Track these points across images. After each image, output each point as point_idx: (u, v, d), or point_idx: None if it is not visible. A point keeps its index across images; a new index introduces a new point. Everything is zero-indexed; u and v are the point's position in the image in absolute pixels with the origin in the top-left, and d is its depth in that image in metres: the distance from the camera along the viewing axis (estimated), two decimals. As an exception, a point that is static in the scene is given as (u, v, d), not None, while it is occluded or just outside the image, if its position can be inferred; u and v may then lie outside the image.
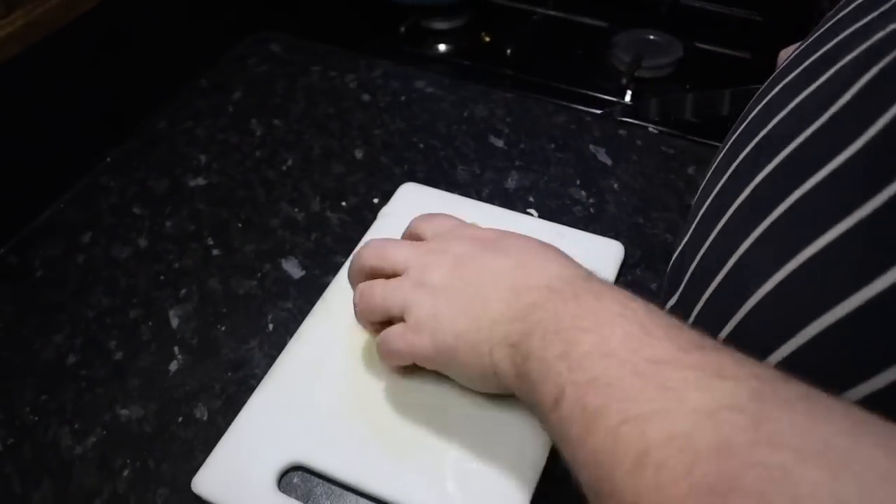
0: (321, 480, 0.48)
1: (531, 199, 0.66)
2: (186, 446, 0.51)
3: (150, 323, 0.58)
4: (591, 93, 0.73)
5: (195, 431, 0.52)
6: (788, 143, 0.35)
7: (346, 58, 0.82)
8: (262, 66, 0.82)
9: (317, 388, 0.52)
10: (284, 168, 0.70)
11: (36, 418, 0.53)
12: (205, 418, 0.52)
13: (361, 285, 0.50)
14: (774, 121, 0.38)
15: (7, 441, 0.51)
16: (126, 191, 0.68)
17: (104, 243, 0.64)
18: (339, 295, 0.57)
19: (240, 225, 0.65)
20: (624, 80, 0.75)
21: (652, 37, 0.79)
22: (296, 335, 0.55)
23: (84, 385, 0.54)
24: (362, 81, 0.79)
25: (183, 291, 0.60)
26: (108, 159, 0.71)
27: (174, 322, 0.58)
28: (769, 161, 0.36)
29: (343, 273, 0.59)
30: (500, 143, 0.71)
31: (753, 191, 0.37)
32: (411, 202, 0.64)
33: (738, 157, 0.41)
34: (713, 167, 0.45)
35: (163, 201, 0.67)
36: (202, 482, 0.48)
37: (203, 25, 0.80)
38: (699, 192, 0.46)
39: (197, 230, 0.65)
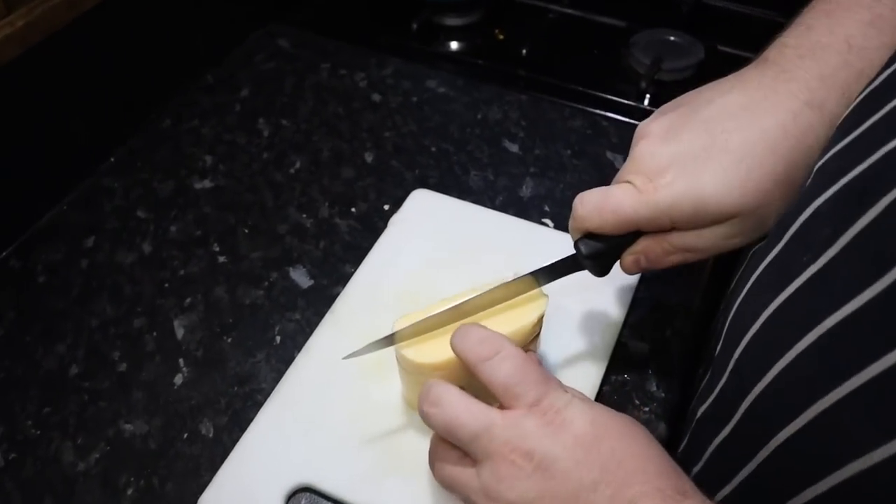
0: (330, 502, 0.47)
1: (546, 208, 0.64)
2: (192, 464, 0.50)
3: (154, 333, 0.57)
4: (608, 96, 0.71)
5: (200, 448, 0.50)
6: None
7: (355, 54, 0.80)
8: (270, 63, 0.80)
9: (325, 406, 0.51)
10: (293, 171, 0.68)
11: (38, 432, 0.51)
12: (210, 435, 0.51)
13: (433, 449, 0.42)
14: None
15: (9, 456, 0.50)
16: (130, 193, 0.66)
17: (108, 248, 0.62)
18: (347, 307, 0.56)
19: (246, 231, 0.63)
20: (643, 84, 0.72)
21: (672, 38, 0.77)
22: (304, 349, 0.54)
23: (87, 398, 0.53)
24: (373, 80, 0.77)
25: (188, 300, 0.59)
26: (112, 159, 0.69)
27: (179, 332, 0.57)
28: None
29: (353, 284, 0.57)
30: (514, 148, 0.69)
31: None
32: (424, 210, 0.62)
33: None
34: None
35: (168, 204, 0.66)
36: (210, 502, 0.47)
37: (208, 20, 0.78)
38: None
39: (203, 236, 0.63)
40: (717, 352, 0.43)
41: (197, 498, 0.47)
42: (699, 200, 0.41)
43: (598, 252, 0.45)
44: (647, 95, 0.73)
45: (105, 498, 0.48)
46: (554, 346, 0.53)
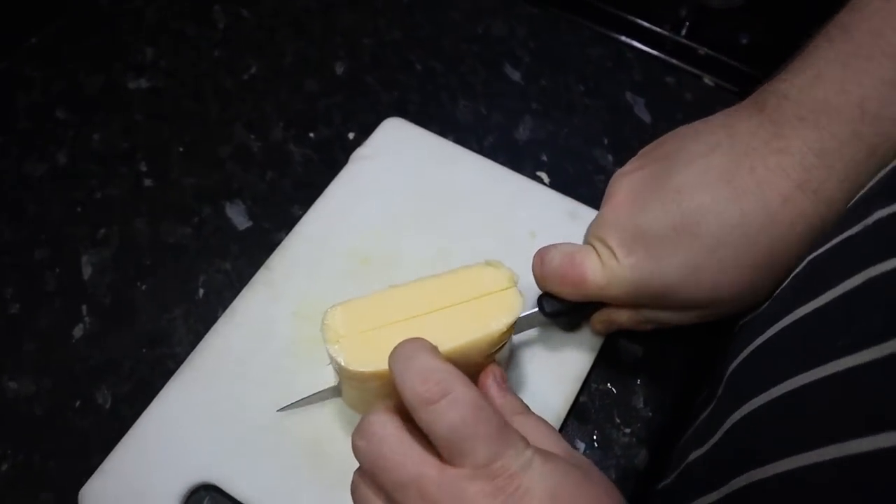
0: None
1: (544, 157, 0.53)
2: (81, 440, 0.42)
3: (57, 269, 0.48)
4: (638, 20, 0.58)
5: (94, 422, 0.43)
6: None
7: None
8: (240, -68, 0.66)
9: (245, 387, 0.43)
10: (246, 77, 0.56)
11: None
12: (108, 405, 0.43)
13: (355, 484, 0.33)
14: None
15: None
16: (50, 86, 0.55)
17: (15, 154, 0.52)
18: (285, 264, 0.46)
19: (181, 149, 0.53)
20: (683, 11, 0.59)
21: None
22: (228, 311, 0.45)
23: (-31, 343, 0.45)
24: (359, -33, 0.63)
25: (102, 231, 0.49)
26: (34, 41, 0.57)
27: (86, 271, 0.48)
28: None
29: (295, 234, 0.47)
30: (516, 76, 0.56)
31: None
32: (395, 146, 0.51)
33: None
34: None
35: (93, 105, 0.54)
36: (92, 494, 0.40)
37: None
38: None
39: (129, 150, 0.53)
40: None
41: (82, 482, 0.40)
42: (665, 289, 0.37)
43: (560, 311, 0.41)
44: (686, 25, 0.59)
45: (-25, 471, 0.41)
46: (531, 340, 0.44)
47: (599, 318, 0.42)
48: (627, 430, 0.43)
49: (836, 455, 0.26)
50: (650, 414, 0.44)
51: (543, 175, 0.52)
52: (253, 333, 0.44)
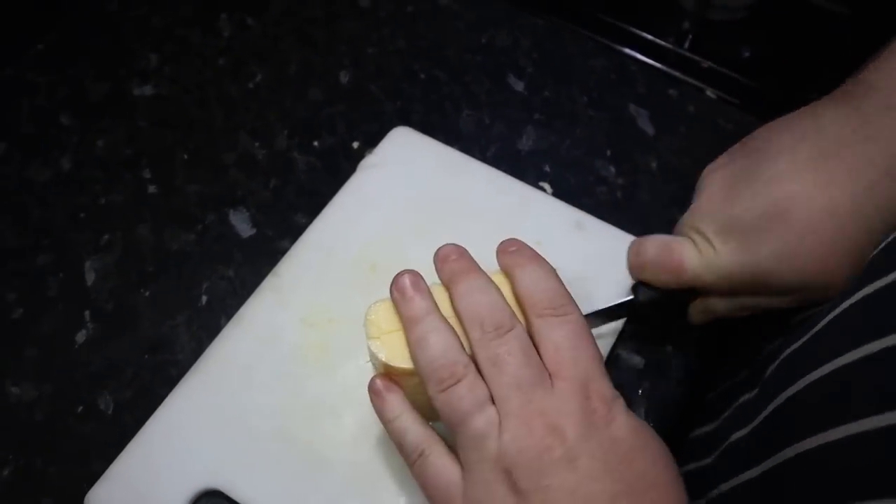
0: None
1: (547, 168, 0.53)
2: (83, 446, 0.42)
3: (60, 274, 0.48)
4: (642, 33, 0.58)
5: (95, 427, 0.43)
6: None
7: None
8: (245, -60, 0.66)
9: (251, 394, 0.43)
10: (251, 85, 0.56)
11: None
12: (109, 412, 0.43)
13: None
14: None
15: None
16: (55, 91, 0.55)
17: (19, 159, 0.52)
18: (293, 271, 0.46)
19: (186, 156, 0.53)
20: (686, 23, 0.59)
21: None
22: (234, 318, 0.45)
23: (-29, 347, 0.45)
24: (364, -23, 0.64)
25: (105, 237, 0.49)
26: (40, 47, 0.57)
27: (89, 277, 0.48)
28: None
29: (304, 241, 0.47)
30: (519, 86, 0.57)
31: None
32: (401, 156, 0.51)
33: None
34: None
35: (98, 111, 0.55)
36: (97, 500, 0.40)
37: None
38: None
39: (134, 156, 0.53)
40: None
41: (83, 488, 0.40)
42: (758, 274, 0.38)
43: (653, 300, 0.42)
44: (689, 38, 0.59)
45: (-25, 476, 0.41)
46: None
47: (698, 308, 0.42)
48: (629, 441, 0.43)
49: (885, 424, 0.27)
50: (652, 424, 0.44)
51: (546, 185, 0.52)
52: (260, 340, 0.44)
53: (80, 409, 0.43)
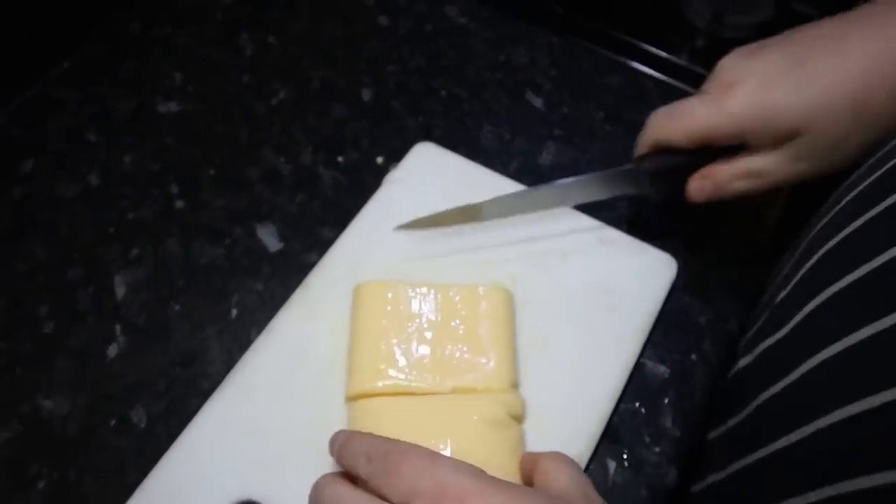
0: None
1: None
2: (117, 459, 0.42)
3: (90, 289, 0.48)
4: (655, 50, 0.60)
5: (129, 440, 0.43)
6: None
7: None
8: (264, -38, 0.68)
9: (284, 406, 0.43)
10: (275, 102, 0.57)
11: (-59, 397, 0.44)
12: (142, 424, 0.43)
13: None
14: None
15: None
16: (82, 109, 0.56)
17: (47, 176, 0.53)
18: (322, 283, 0.47)
19: (212, 172, 0.53)
20: (699, 41, 0.61)
21: (739, -16, 0.64)
22: (266, 331, 0.45)
23: (3, 361, 0.45)
24: (382, -3, 0.65)
25: (134, 251, 0.50)
26: (66, 65, 0.58)
27: (119, 291, 0.48)
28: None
29: (332, 254, 0.48)
30: (538, 103, 0.58)
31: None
32: (425, 170, 0.52)
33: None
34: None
35: (124, 129, 0.55)
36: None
37: None
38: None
39: (160, 172, 0.53)
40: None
41: (118, 501, 0.40)
42: (770, 109, 0.41)
43: (663, 168, 0.45)
44: (702, 55, 0.61)
45: (9, 489, 0.41)
46: (565, 360, 0.45)
47: (697, 177, 0.45)
48: (657, 449, 0.44)
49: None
50: (678, 433, 0.44)
51: (568, 199, 0.53)
52: (291, 351, 0.44)
53: (113, 422, 0.43)
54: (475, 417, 0.40)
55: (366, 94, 0.58)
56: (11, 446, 0.42)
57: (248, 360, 0.44)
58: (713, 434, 0.43)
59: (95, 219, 0.51)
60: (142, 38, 0.61)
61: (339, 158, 0.54)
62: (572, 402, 0.44)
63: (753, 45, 0.44)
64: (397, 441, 0.33)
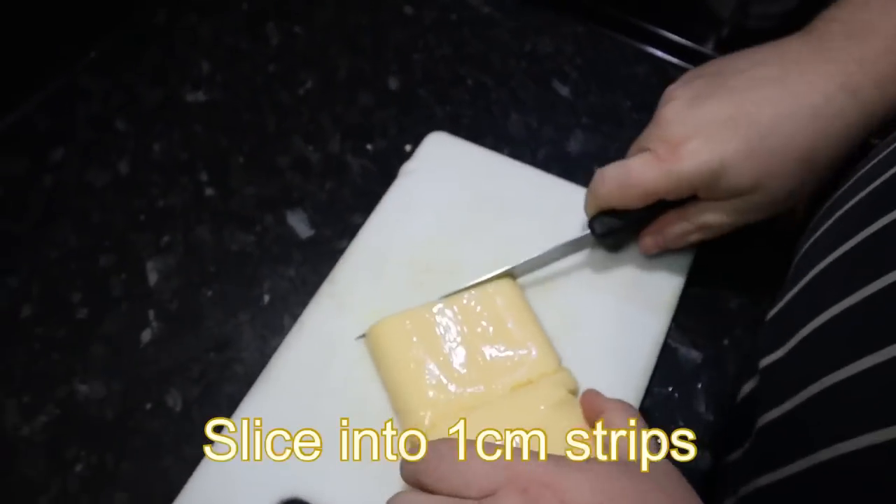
0: None
1: (596, 168, 0.54)
2: (154, 442, 0.42)
3: (122, 275, 0.48)
4: (681, 40, 0.60)
5: (165, 424, 0.43)
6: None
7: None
8: (288, -47, 0.68)
9: (323, 401, 0.43)
10: (302, 91, 0.57)
11: (-23, 382, 0.44)
12: (178, 408, 0.44)
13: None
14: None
15: (-60, 408, 0.43)
16: (110, 98, 0.56)
17: (78, 164, 0.53)
18: (349, 277, 0.47)
19: (241, 159, 0.54)
20: (724, 30, 0.61)
21: (764, -26, 0.64)
22: (297, 325, 0.45)
23: (38, 346, 0.45)
24: (406, -13, 0.65)
25: (165, 238, 0.50)
26: (92, 55, 0.58)
27: (152, 278, 0.48)
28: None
29: (355, 247, 0.48)
30: (564, 91, 0.58)
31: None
32: (440, 160, 0.52)
33: None
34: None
35: (152, 117, 0.56)
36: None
37: None
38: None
39: (190, 160, 0.53)
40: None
41: (155, 483, 0.40)
42: (720, 170, 0.40)
43: (614, 230, 0.45)
44: (727, 44, 0.61)
45: (49, 472, 0.41)
46: (590, 350, 0.45)
47: (649, 231, 0.46)
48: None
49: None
50: (712, 417, 0.44)
51: (597, 186, 0.53)
52: (322, 346, 0.44)
53: (149, 406, 0.44)
54: (542, 407, 0.40)
55: (393, 83, 0.58)
56: (49, 430, 0.43)
57: (281, 355, 0.44)
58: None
59: (126, 206, 0.51)
60: (167, 27, 0.61)
61: (368, 146, 0.54)
62: (606, 380, 0.43)
63: (692, 91, 0.42)
64: (450, 439, 0.32)
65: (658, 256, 0.48)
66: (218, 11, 0.62)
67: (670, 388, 0.45)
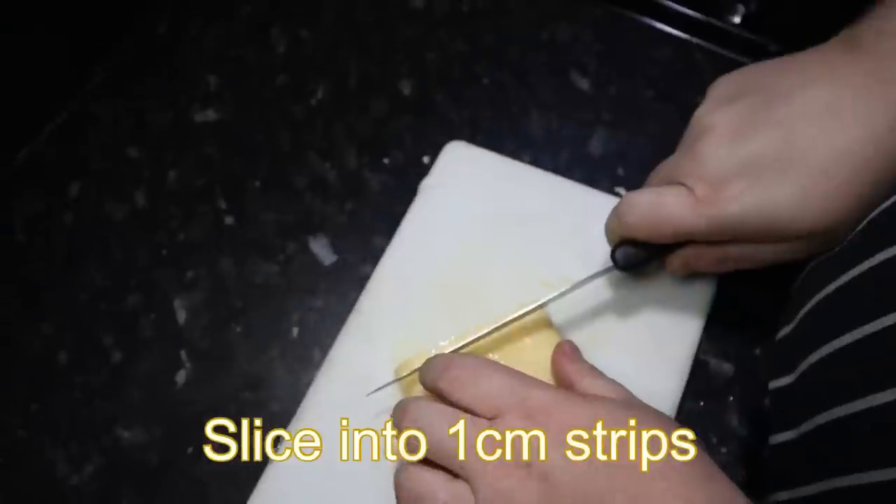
0: None
1: (620, 171, 0.52)
2: (199, 487, 0.44)
3: (151, 315, 0.49)
4: (708, 18, 0.56)
5: (209, 468, 0.44)
6: None
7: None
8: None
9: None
10: (313, 102, 0.56)
11: (25, 434, 0.45)
12: (219, 451, 0.45)
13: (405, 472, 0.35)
14: None
15: (-7, 462, 0.45)
16: (120, 124, 0.55)
17: (94, 196, 0.53)
18: (375, 307, 0.47)
19: (258, 183, 0.53)
20: (752, 6, 0.57)
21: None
22: (326, 362, 0.45)
23: (80, 395, 0.46)
24: (412, -25, 0.62)
25: (189, 273, 0.50)
26: (98, 78, 0.57)
27: (180, 316, 0.49)
28: None
29: (379, 273, 0.48)
30: (584, 84, 0.56)
31: None
32: (460, 172, 0.51)
33: None
34: None
35: (164, 141, 0.55)
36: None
37: None
38: None
39: (206, 186, 0.53)
40: None
41: (204, 528, 0.42)
42: (770, 220, 0.36)
43: (637, 262, 0.42)
44: (754, 20, 0.57)
45: (102, 522, 0.43)
46: (625, 354, 0.45)
47: (678, 259, 0.42)
48: (724, 450, 0.44)
49: None
50: (745, 432, 0.44)
51: (622, 190, 0.51)
52: (353, 382, 0.44)
53: (191, 449, 0.45)
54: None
55: (405, 87, 0.56)
56: (97, 479, 0.44)
57: (313, 395, 0.44)
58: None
59: (147, 241, 0.51)
60: (170, 39, 0.59)
61: (385, 160, 0.53)
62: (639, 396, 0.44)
63: (734, 120, 0.38)
64: (474, 356, 0.38)
65: (688, 280, 0.47)
66: (221, 17, 0.60)
67: (702, 403, 0.45)
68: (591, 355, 0.44)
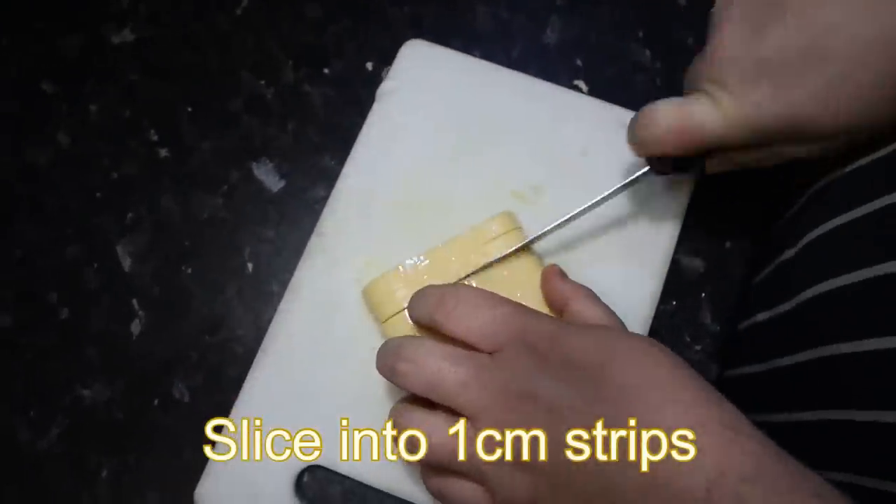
0: (346, 480, 0.40)
1: (579, 62, 0.49)
2: (170, 437, 0.43)
3: (95, 265, 0.46)
4: None
5: (176, 416, 0.43)
6: None
7: None
8: None
9: (329, 366, 0.42)
10: (239, 11, 0.50)
11: (-21, 403, 0.44)
12: (185, 399, 0.43)
13: (405, 415, 0.35)
14: None
15: (-49, 436, 0.43)
16: (27, 54, 0.50)
17: (12, 142, 0.48)
18: (338, 228, 0.44)
19: (190, 109, 0.48)
20: None
21: None
22: (289, 288, 0.43)
23: (31, 356, 0.44)
24: None
25: (129, 215, 0.46)
26: (-8, 1, 0.51)
27: (126, 262, 0.46)
28: None
29: (339, 193, 0.45)
30: (533, -34, 0.51)
31: None
32: (419, 74, 0.47)
33: None
34: None
35: (80, 71, 0.49)
36: (207, 494, 0.40)
37: None
38: None
39: (134, 118, 0.48)
40: None
41: (181, 476, 0.41)
42: (794, 123, 0.33)
43: (671, 166, 0.39)
44: None
45: (76, 482, 0.42)
46: (599, 267, 0.43)
47: (715, 161, 0.38)
48: (698, 348, 0.44)
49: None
50: (718, 328, 0.44)
51: (581, 83, 0.48)
52: (320, 308, 0.42)
53: (157, 401, 0.43)
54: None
55: (338, -14, 0.51)
56: (65, 440, 0.43)
57: (277, 324, 0.43)
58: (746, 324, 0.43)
59: (78, 185, 0.47)
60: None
61: (325, 70, 0.49)
62: (615, 306, 0.42)
63: (749, 14, 0.34)
64: (468, 286, 0.37)
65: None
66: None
67: (674, 302, 0.44)
68: (575, 273, 0.42)
